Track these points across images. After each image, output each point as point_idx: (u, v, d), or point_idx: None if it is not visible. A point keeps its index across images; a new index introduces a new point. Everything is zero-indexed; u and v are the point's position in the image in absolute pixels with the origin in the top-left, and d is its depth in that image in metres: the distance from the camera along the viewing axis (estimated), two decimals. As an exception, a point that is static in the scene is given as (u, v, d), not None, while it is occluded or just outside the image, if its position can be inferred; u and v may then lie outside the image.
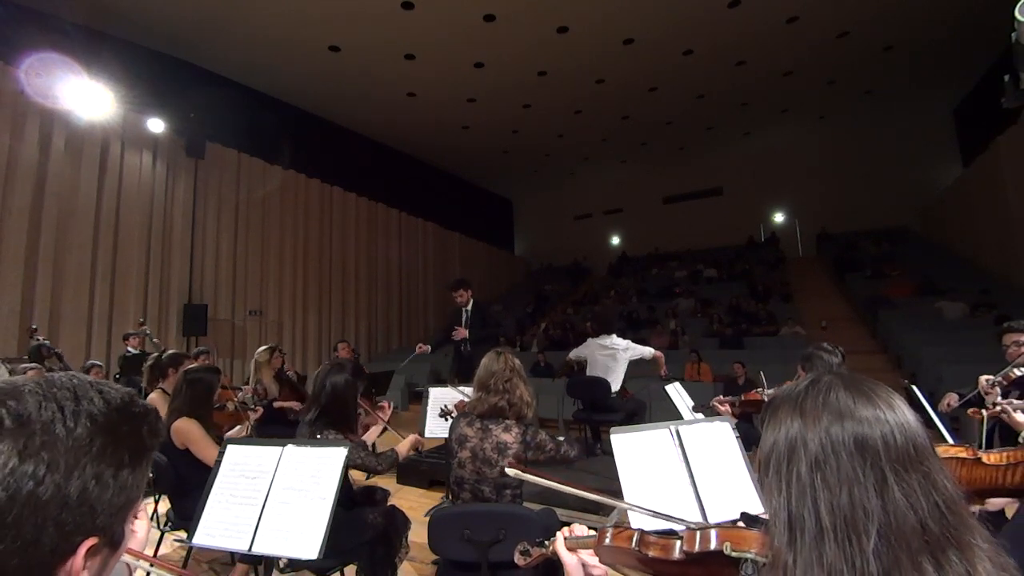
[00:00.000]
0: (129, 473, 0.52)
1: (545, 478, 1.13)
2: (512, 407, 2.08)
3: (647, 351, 4.97)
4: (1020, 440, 1.66)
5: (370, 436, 2.52)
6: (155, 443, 0.57)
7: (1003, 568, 0.57)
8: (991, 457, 1.43)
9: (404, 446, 2.46)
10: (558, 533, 1.02)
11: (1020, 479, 1.44)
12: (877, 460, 0.58)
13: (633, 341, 5.21)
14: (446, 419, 2.99)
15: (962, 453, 1.44)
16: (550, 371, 8.47)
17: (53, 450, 0.47)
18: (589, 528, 1.03)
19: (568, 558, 0.99)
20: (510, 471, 1.09)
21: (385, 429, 2.74)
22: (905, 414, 0.62)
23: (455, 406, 3.00)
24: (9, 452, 0.45)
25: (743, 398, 2.91)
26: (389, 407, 2.85)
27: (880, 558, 0.55)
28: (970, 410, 2.16)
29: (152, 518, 3.35)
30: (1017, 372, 2.20)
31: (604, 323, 5.23)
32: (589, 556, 0.98)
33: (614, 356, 4.94)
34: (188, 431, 2.52)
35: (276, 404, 4.43)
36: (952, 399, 2.53)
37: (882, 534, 0.56)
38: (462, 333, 4.57)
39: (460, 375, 3.85)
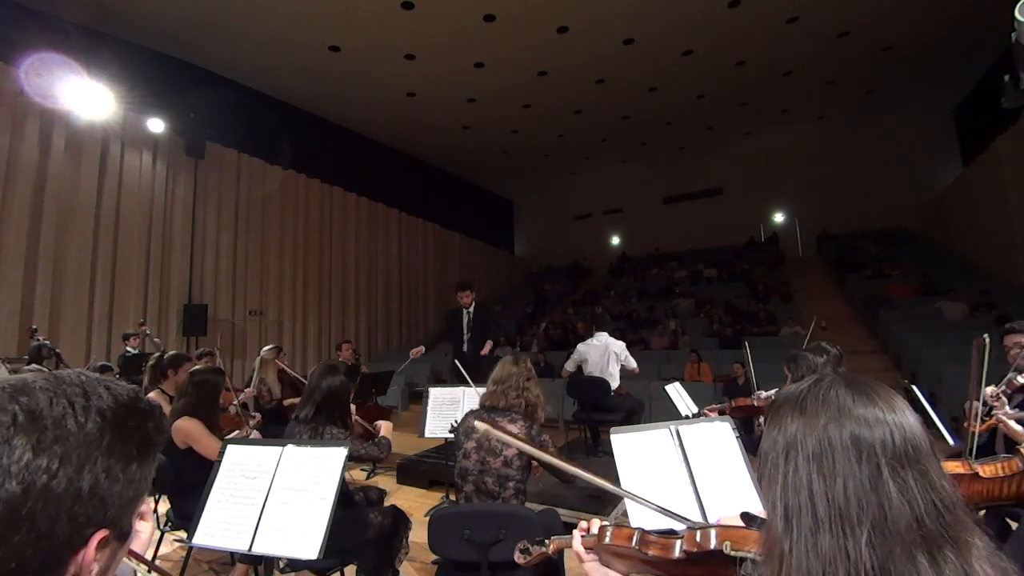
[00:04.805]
0: (137, 467, 0.54)
1: (520, 441, 1.12)
2: (529, 406, 2.17)
3: (633, 363, 5.08)
4: (1021, 450, 1.65)
5: (386, 429, 2.55)
6: (160, 439, 0.59)
7: (1003, 572, 0.58)
8: (987, 470, 1.43)
9: (385, 430, 2.52)
10: (575, 532, 1.02)
11: (1017, 489, 1.44)
12: (873, 455, 0.59)
13: (633, 341, 5.25)
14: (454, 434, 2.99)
15: (959, 468, 1.44)
16: (550, 371, 8.46)
17: (66, 444, 0.48)
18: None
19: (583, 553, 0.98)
20: (479, 425, 1.08)
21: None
22: (905, 415, 0.62)
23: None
24: (23, 447, 0.46)
25: (733, 404, 2.90)
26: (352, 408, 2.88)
27: (874, 549, 0.56)
28: (966, 423, 2.12)
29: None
30: (1020, 379, 2.13)
31: (596, 321, 5.30)
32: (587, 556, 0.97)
33: (608, 354, 4.98)
34: (189, 430, 2.52)
35: (287, 402, 4.46)
36: (977, 409, 2.42)
37: (876, 526, 0.57)
38: (488, 347, 4.56)
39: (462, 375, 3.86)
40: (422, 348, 4.80)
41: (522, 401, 2.15)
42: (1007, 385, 2.15)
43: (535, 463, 2.12)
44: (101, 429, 0.51)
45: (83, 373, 0.54)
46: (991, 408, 2.17)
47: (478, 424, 1.09)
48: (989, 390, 2.18)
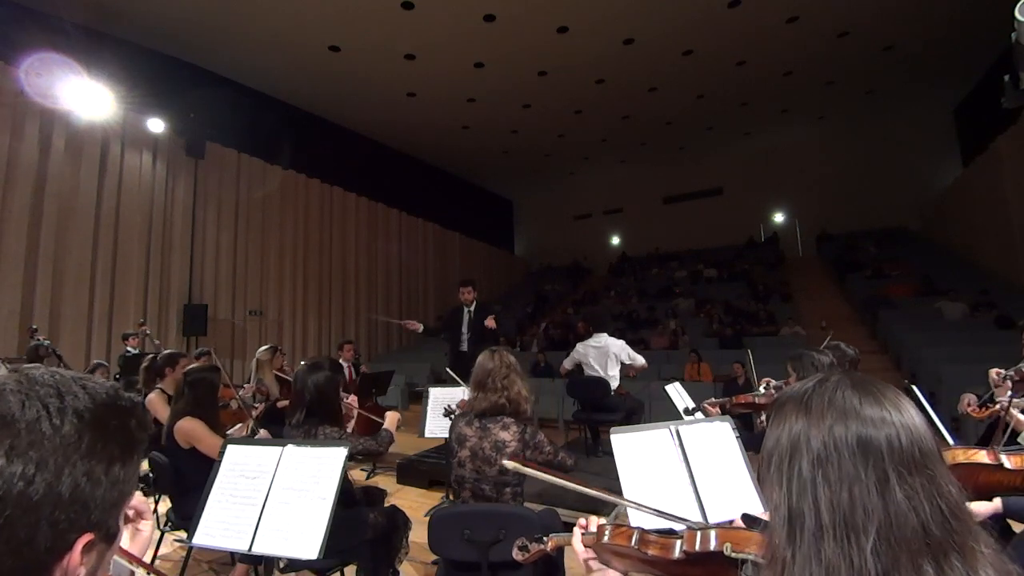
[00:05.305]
0: (120, 468, 0.52)
1: (545, 472, 1.12)
2: (511, 403, 2.09)
3: (640, 359, 5.02)
4: (1020, 440, 1.66)
5: (391, 421, 2.54)
6: (144, 436, 0.56)
7: (1007, 575, 0.57)
8: (1015, 461, 1.43)
9: (391, 423, 2.51)
10: (575, 529, 1.01)
11: None
12: (880, 460, 0.58)
13: (634, 341, 5.24)
14: (450, 418, 2.99)
15: (985, 459, 1.44)
16: (550, 371, 8.46)
17: (41, 449, 0.46)
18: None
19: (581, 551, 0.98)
20: (508, 464, 1.09)
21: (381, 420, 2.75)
22: (912, 417, 0.60)
23: (458, 404, 3.00)
24: None
25: (734, 400, 2.86)
26: (354, 400, 2.85)
27: (879, 557, 0.55)
28: (970, 408, 2.13)
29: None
30: None
31: (596, 322, 5.28)
32: (587, 554, 0.97)
33: (607, 355, 4.96)
34: (192, 430, 2.52)
35: (280, 404, 4.44)
36: (971, 399, 2.40)
37: (882, 534, 0.55)
38: (491, 323, 4.58)
39: (462, 374, 3.87)
40: (420, 326, 4.81)
41: (505, 400, 2.08)
42: (1015, 372, 2.15)
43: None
44: (79, 431, 0.48)
45: (57, 372, 0.52)
46: (992, 394, 2.18)
47: (507, 463, 1.10)
48: (994, 372, 2.18)
